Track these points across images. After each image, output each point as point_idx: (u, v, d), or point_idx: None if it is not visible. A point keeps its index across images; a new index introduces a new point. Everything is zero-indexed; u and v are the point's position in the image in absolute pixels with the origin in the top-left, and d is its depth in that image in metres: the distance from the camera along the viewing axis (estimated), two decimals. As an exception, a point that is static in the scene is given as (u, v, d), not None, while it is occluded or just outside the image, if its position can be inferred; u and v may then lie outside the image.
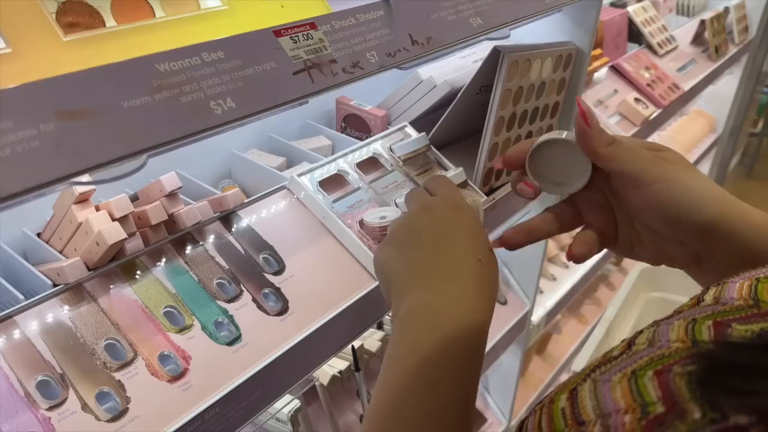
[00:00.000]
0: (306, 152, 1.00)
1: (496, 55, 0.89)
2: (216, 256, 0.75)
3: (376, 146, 0.95)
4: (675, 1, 2.35)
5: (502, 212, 1.04)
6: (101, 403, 0.60)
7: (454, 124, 1.02)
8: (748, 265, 0.45)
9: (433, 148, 0.98)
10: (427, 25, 0.74)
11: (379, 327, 1.26)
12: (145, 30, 0.55)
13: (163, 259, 0.72)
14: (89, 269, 0.68)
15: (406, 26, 0.71)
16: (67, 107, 0.45)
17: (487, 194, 0.98)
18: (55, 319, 0.63)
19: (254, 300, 0.73)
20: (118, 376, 0.62)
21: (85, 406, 0.59)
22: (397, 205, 0.87)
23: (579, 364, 1.71)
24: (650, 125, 1.70)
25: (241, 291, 0.73)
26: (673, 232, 0.58)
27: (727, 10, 2.32)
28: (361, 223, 0.83)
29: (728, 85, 2.70)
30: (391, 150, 0.95)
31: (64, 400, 0.59)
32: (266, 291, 0.74)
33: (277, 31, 0.60)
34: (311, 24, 0.63)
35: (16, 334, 0.61)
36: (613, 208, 0.62)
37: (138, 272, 0.70)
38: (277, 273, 0.76)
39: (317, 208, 0.84)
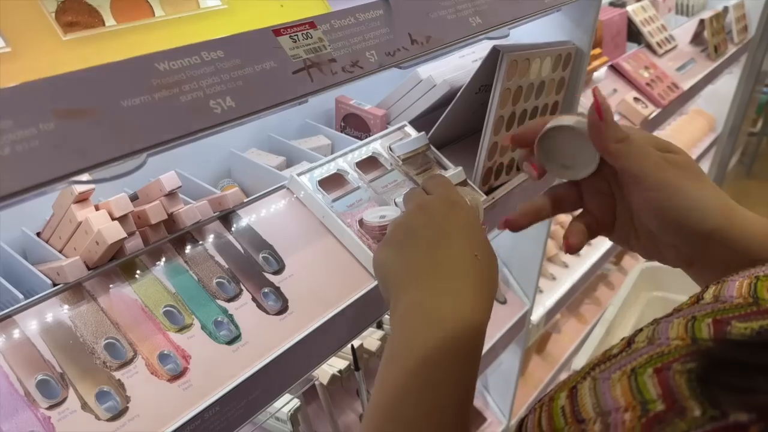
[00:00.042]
0: (305, 152, 1.00)
1: (495, 54, 0.89)
2: (216, 255, 0.75)
3: (376, 145, 0.95)
4: (674, 0, 2.35)
5: (502, 212, 1.04)
6: (101, 402, 0.60)
7: (454, 124, 1.02)
8: (742, 269, 0.46)
9: (433, 148, 0.98)
10: (427, 24, 0.74)
11: (379, 326, 1.26)
12: (144, 29, 0.55)
13: (163, 259, 0.72)
14: (89, 268, 0.68)
15: (405, 25, 0.71)
16: (66, 106, 0.45)
17: (487, 193, 0.98)
18: (54, 319, 0.63)
19: (254, 299, 0.73)
20: (117, 375, 0.62)
21: (84, 405, 0.59)
22: (396, 205, 0.87)
23: (579, 363, 1.71)
24: (649, 125, 1.70)
25: (241, 290, 0.73)
26: (670, 237, 0.58)
27: (726, 9, 2.32)
28: (361, 222, 0.83)
29: (727, 84, 2.70)
30: (390, 149, 0.95)
31: (64, 399, 0.59)
32: (266, 290, 0.74)
33: (277, 31, 0.60)
34: (311, 23, 0.63)
35: (16, 333, 0.61)
36: (615, 198, 0.62)
37: (138, 271, 0.70)
38: (277, 272, 0.76)
39: (317, 208, 0.84)
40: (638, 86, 1.74)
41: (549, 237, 1.44)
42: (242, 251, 0.77)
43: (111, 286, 0.68)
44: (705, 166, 2.94)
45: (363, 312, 0.80)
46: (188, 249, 0.74)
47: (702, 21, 2.15)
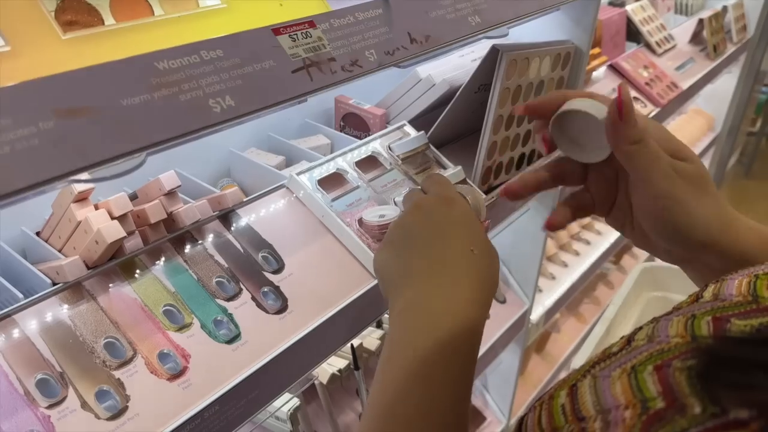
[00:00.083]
0: (305, 151, 1.00)
1: (494, 53, 0.89)
2: (215, 254, 0.75)
3: (375, 145, 0.95)
4: (673, 0, 2.35)
5: (501, 211, 1.04)
6: (101, 401, 0.60)
7: (453, 123, 1.02)
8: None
9: (432, 147, 0.98)
10: (426, 23, 0.74)
11: (378, 325, 1.26)
12: (144, 28, 0.55)
13: (163, 258, 0.72)
14: (88, 268, 0.68)
15: (404, 25, 0.71)
16: (66, 105, 0.45)
17: (486, 193, 0.98)
18: (54, 318, 0.63)
19: (253, 298, 0.73)
20: (117, 374, 0.62)
21: (84, 405, 0.59)
22: (396, 204, 0.87)
23: (578, 362, 1.71)
24: (649, 124, 1.69)
25: (241, 289, 0.73)
26: (663, 241, 0.58)
27: (725, 9, 2.32)
28: (360, 221, 0.83)
29: (726, 83, 2.70)
30: (390, 149, 0.95)
31: (64, 399, 0.59)
32: (265, 289, 0.74)
33: (276, 30, 0.60)
34: (310, 22, 0.63)
35: (16, 332, 0.61)
36: (618, 186, 0.62)
37: (137, 271, 0.70)
38: (276, 271, 0.76)
39: (316, 207, 0.84)
40: (637, 85, 1.74)
41: (548, 236, 1.44)
42: (242, 250, 0.77)
43: (110, 285, 0.68)
44: (704, 165, 2.94)
45: (362, 311, 0.80)
46: (188, 248, 0.74)
47: (701, 20, 2.15)
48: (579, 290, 1.91)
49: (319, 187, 0.85)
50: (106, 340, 0.63)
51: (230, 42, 0.56)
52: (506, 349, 1.53)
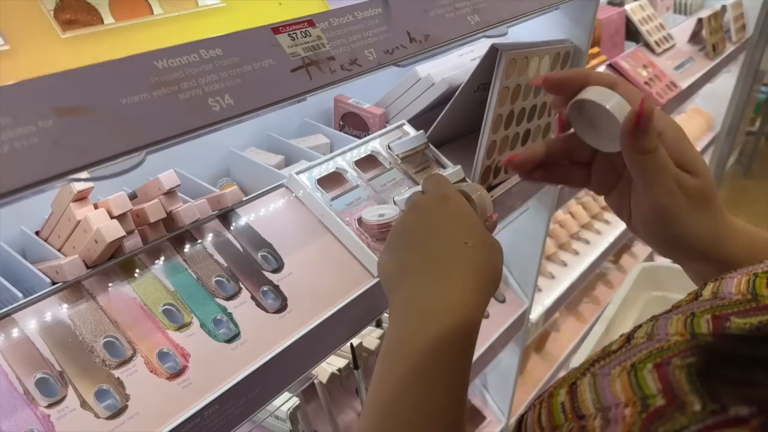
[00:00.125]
0: (304, 150, 1.00)
1: (493, 52, 0.89)
2: (215, 253, 0.75)
3: (375, 144, 0.95)
4: (672, -1, 2.35)
5: (500, 210, 1.04)
6: (100, 400, 0.60)
7: (452, 122, 1.02)
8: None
9: (432, 146, 0.98)
10: (425, 22, 0.74)
11: (378, 324, 1.26)
12: (143, 27, 0.55)
13: (162, 257, 0.72)
14: (88, 267, 0.68)
15: (403, 24, 0.71)
16: (65, 104, 0.45)
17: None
18: (53, 317, 0.63)
19: (253, 297, 0.73)
20: (117, 373, 0.62)
21: (84, 404, 0.59)
22: (395, 203, 0.87)
23: (577, 362, 1.70)
24: (648, 123, 1.69)
25: (240, 289, 0.73)
26: (655, 245, 0.58)
27: (724, 8, 2.32)
28: (360, 220, 0.83)
29: (725, 83, 2.70)
30: (389, 148, 0.95)
31: (63, 398, 0.59)
32: (265, 288, 0.74)
33: (275, 29, 0.60)
34: (309, 21, 0.63)
35: (15, 332, 0.61)
36: (622, 178, 0.61)
37: (137, 270, 0.70)
38: (276, 271, 0.76)
39: (316, 206, 0.84)
40: (636, 85, 1.74)
41: (548, 236, 1.44)
42: (241, 250, 0.77)
43: (110, 284, 0.68)
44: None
45: (362, 310, 0.80)
46: (187, 247, 0.74)
47: (700, 20, 2.15)
48: (578, 289, 1.91)
49: (318, 186, 0.85)
50: (105, 340, 0.63)
51: (229, 41, 0.56)
52: (506, 349, 1.53)
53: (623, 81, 0.55)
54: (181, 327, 0.67)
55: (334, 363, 1.12)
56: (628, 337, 0.40)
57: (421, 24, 0.73)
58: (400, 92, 1.09)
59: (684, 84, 1.89)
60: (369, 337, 1.19)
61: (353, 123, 1.11)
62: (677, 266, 0.62)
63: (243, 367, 0.67)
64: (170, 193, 0.76)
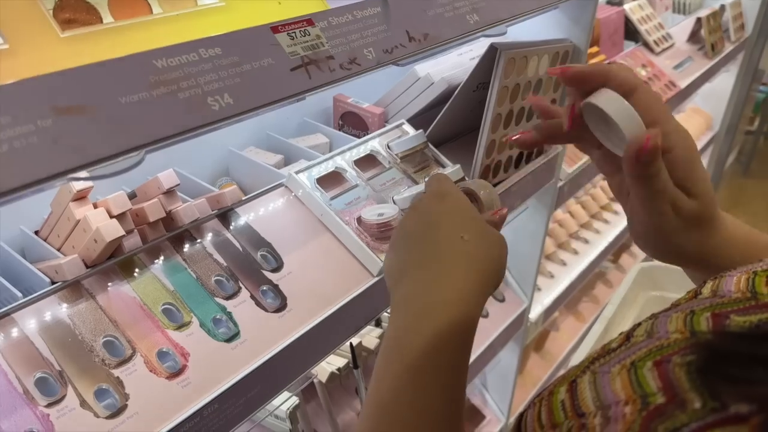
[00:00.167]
0: (303, 150, 1.00)
1: (493, 52, 0.89)
2: (214, 253, 0.75)
3: (374, 143, 0.95)
4: (671, -1, 2.35)
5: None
6: (100, 399, 0.60)
7: (452, 122, 1.02)
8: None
9: (431, 146, 0.98)
10: (424, 21, 0.74)
11: (377, 324, 1.26)
12: (142, 26, 0.55)
13: (161, 257, 0.72)
14: (87, 267, 0.68)
15: (403, 23, 0.71)
16: (64, 103, 0.45)
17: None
18: (53, 317, 0.63)
19: (252, 297, 0.73)
20: (116, 372, 0.62)
21: (83, 403, 0.59)
22: (395, 202, 0.87)
23: (577, 361, 1.70)
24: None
25: (240, 288, 0.73)
26: (646, 248, 0.58)
27: (723, 7, 2.32)
28: (359, 220, 0.83)
29: (724, 82, 2.70)
30: (388, 147, 0.95)
31: (63, 397, 0.59)
32: (264, 288, 0.74)
33: (275, 28, 0.60)
34: (308, 20, 0.63)
35: (15, 331, 0.61)
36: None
37: (136, 269, 0.70)
38: (275, 270, 0.76)
39: (315, 206, 0.84)
40: (636, 84, 1.74)
41: (547, 235, 1.44)
42: (241, 249, 0.77)
43: (109, 284, 0.68)
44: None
45: (361, 309, 0.80)
46: (187, 247, 0.74)
47: (699, 19, 2.15)
48: (578, 289, 1.90)
49: (317, 185, 0.85)
50: (105, 339, 0.63)
51: (229, 40, 0.56)
52: (505, 348, 1.53)
53: (643, 86, 0.52)
54: (181, 326, 0.67)
55: (333, 362, 1.12)
56: (628, 335, 0.40)
57: (420, 23, 0.73)
58: (399, 91, 1.09)
59: (683, 83, 1.89)
60: (368, 336, 1.19)
61: (352, 122, 1.11)
62: (676, 266, 0.61)
63: (242, 366, 0.67)
64: (169, 193, 0.76)
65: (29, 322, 0.62)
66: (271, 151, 1.02)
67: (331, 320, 0.75)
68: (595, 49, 1.70)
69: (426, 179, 0.68)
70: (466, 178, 0.94)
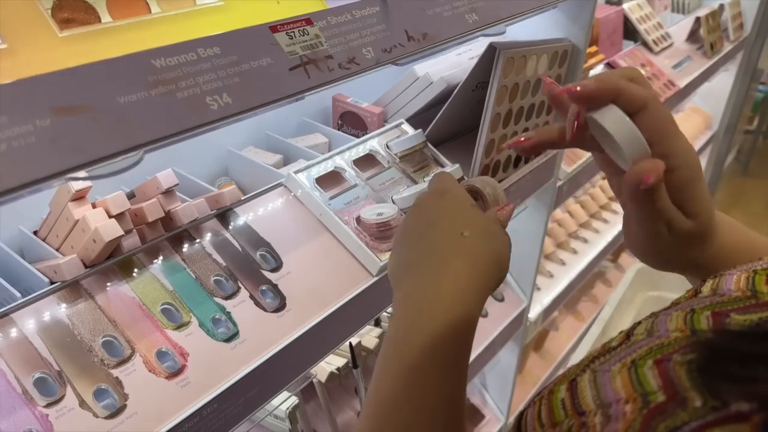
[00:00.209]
0: (302, 149, 1.00)
1: (492, 51, 0.89)
2: (213, 253, 0.75)
3: (373, 143, 0.95)
4: (670, -2, 2.35)
5: (499, 209, 1.04)
6: (99, 400, 0.59)
7: (451, 121, 1.02)
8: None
9: (430, 145, 0.98)
10: (423, 21, 0.74)
11: (377, 324, 1.26)
12: (140, 26, 0.55)
13: (160, 257, 0.72)
14: (86, 267, 0.68)
15: (401, 22, 0.71)
16: (63, 103, 0.45)
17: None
18: (52, 317, 0.63)
19: (252, 297, 0.73)
20: (115, 373, 0.62)
21: (82, 403, 0.59)
22: (394, 202, 0.87)
23: (576, 362, 1.70)
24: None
25: (239, 288, 0.73)
26: (639, 255, 0.57)
27: (722, 7, 2.32)
28: (358, 219, 0.83)
29: (723, 82, 2.70)
30: (387, 147, 0.95)
31: (62, 397, 0.58)
32: (264, 288, 0.74)
33: (273, 27, 0.60)
34: (307, 20, 0.63)
35: (13, 331, 0.61)
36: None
37: (135, 269, 0.70)
38: (275, 270, 0.76)
39: (314, 205, 0.84)
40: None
41: (546, 234, 1.44)
42: (240, 249, 0.77)
43: (108, 284, 0.68)
44: (701, 164, 2.94)
45: (361, 309, 0.80)
46: (185, 247, 0.74)
47: (698, 19, 2.15)
48: (577, 288, 1.91)
49: (316, 185, 0.85)
50: (104, 339, 0.63)
51: (227, 40, 0.56)
52: (504, 348, 1.53)
53: (653, 103, 0.49)
54: (180, 326, 0.67)
55: (332, 362, 1.12)
56: (628, 334, 0.40)
57: (419, 22, 0.73)
58: (398, 91, 1.09)
59: (682, 83, 1.89)
60: (368, 336, 1.19)
61: (351, 122, 1.11)
62: None
63: (242, 366, 0.67)
64: (168, 193, 0.75)
65: (28, 323, 0.62)
66: (270, 150, 1.02)
67: (330, 320, 0.75)
68: (594, 48, 1.70)
69: (427, 179, 0.68)
70: (465, 178, 0.94)
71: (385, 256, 0.81)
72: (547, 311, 1.70)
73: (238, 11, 0.61)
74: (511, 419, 1.67)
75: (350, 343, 1.07)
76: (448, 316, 0.49)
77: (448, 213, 0.57)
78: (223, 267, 0.74)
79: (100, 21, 0.55)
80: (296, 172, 0.85)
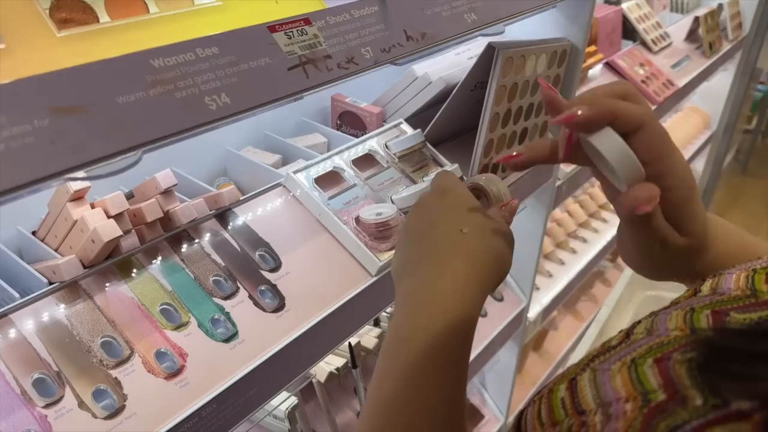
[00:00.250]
0: (301, 149, 1.00)
1: (490, 51, 0.89)
2: (212, 253, 0.75)
3: (372, 143, 0.95)
4: (668, -3, 2.35)
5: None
6: (98, 400, 0.59)
7: (450, 121, 1.02)
8: None
9: (429, 145, 0.98)
10: (422, 20, 0.74)
11: (376, 323, 1.26)
12: (139, 26, 0.55)
13: (159, 257, 0.72)
14: (85, 267, 0.68)
15: (400, 22, 0.71)
16: (61, 103, 0.45)
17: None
18: (50, 317, 0.63)
19: (251, 297, 0.73)
20: (114, 373, 0.62)
21: (81, 404, 0.59)
22: (393, 202, 0.87)
23: (575, 361, 1.70)
24: (645, 121, 1.70)
25: (238, 288, 0.73)
26: (634, 270, 0.57)
27: (720, 6, 2.32)
28: (357, 219, 0.83)
29: (722, 81, 2.70)
30: (386, 147, 0.95)
31: (61, 398, 0.58)
32: (263, 288, 0.74)
33: (272, 27, 0.60)
34: (306, 19, 0.63)
35: (12, 332, 0.61)
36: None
37: (134, 270, 0.70)
38: (274, 270, 0.76)
39: (313, 205, 0.84)
40: (633, 83, 1.74)
41: (545, 234, 1.44)
42: (239, 249, 0.77)
43: (107, 284, 0.68)
44: (700, 163, 2.94)
45: (360, 309, 0.80)
46: (184, 247, 0.74)
47: (697, 18, 2.15)
48: (576, 288, 1.91)
49: (315, 185, 0.85)
50: (102, 340, 0.63)
51: (226, 39, 0.56)
52: (504, 347, 1.53)
53: (649, 123, 0.48)
54: (179, 326, 0.67)
55: (332, 362, 1.12)
56: (628, 333, 0.40)
57: (418, 22, 0.73)
58: (397, 91, 1.09)
59: (681, 82, 1.90)
60: (367, 336, 1.19)
61: (350, 122, 1.11)
62: None
63: (241, 366, 0.67)
64: (167, 193, 0.75)
65: (27, 323, 0.62)
66: (269, 150, 1.02)
67: (329, 320, 0.75)
68: (592, 48, 1.70)
69: (426, 179, 0.68)
70: (464, 178, 0.94)
71: (384, 256, 0.81)
72: (547, 311, 1.70)
73: (236, 11, 0.61)
74: (511, 419, 1.67)
75: (349, 343, 1.07)
76: (447, 317, 0.49)
77: (448, 211, 0.57)
78: (222, 267, 0.74)
79: (98, 21, 0.55)
80: (295, 172, 0.85)
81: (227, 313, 0.70)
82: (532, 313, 1.61)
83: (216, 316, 0.69)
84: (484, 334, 1.39)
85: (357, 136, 1.01)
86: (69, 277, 0.66)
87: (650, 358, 0.34)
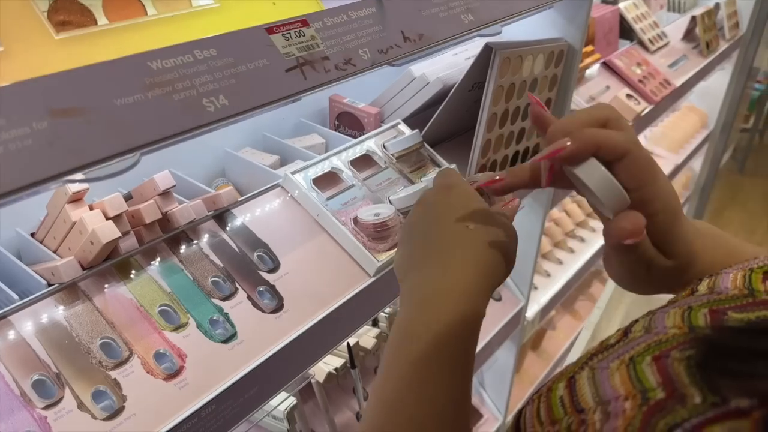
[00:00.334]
0: (299, 150, 1.00)
1: (488, 51, 0.89)
2: (210, 254, 0.75)
3: (370, 144, 0.95)
4: (665, -3, 2.36)
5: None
6: (97, 401, 0.60)
7: (447, 121, 1.02)
8: None
9: (427, 145, 0.98)
10: (419, 21, 0.74)
11: (375, 324, 1.26)
12: (137, 28, 0.55)
13: (158, 258, 0.72)
14: (83, 268, 0.68)
15: (397, 23, 0.71)
16: (59, 105, 0.45)
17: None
18: (50, 319, 0.63)
19: (249, 298, 0.73)
20: (113, 374, 0.62)
21: (81, 405, 0.59)
22: (391, 202, 0.87)
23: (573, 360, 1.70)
24: (642, 121, 1.70)
25: (236, 289, 0.73)
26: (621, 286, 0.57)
27: (717, 6, 2.32)
28: (356, 220, 0.83)
29: (719, 80, 2.70)
30: (384, 147, 0.95)
31: (60, 399, 0.58)
32: (261, 289, 0.74)
33: (269, 29, 0.60)
34: (303, 21, 0.63)
35: (11, 333, 0.61)
36: None
37: (132, 271, 0.70)
38: (272, 271, 0.76)
39: (311, 206, 0.84)
40: (631, 83, 1.75)
41: (543, 234, 1.44)
42: (237, 250, 0.77)
43: (106, 285, 0.68)
44: (698, 162, 2.95)
45: (358, 309, 0.80)
46: (183, 248, 0.74)
47: (694, 18, 2.15)
48: (574, 287, 1.91)
49: (313, 186, 0.85)
50: (102, 341, 0.63)
51: (223, 41, 0.56)
52: (502, 347, 1.53)
53: (633, 151, 0.47)
54: (178, 328, 0.67)
55: (330, 362, 1.12)
56: (626, 331, 0.41)
57: (415, 23, 0.73)
58: (394, 92, 1.09)
59: (678, 82, 1.90)
60: (366, 336, 1.19)
61: (348, 122, 1.11)
62: None
63: (240, 367, 0.67)
64: (165, 194, 0.76)
65: (26, 325, 0.62)
66: (267, 151, 1.02)
67: (328, 321, 0.75)
68: (590, 48, 1.70)
69: (425, 179, 0.68)
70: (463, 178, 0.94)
71: (383, 257, 0.81)
72: (545, 310, 1.70)
73: (233, 13, 0.61)
74: (509, 418, 1.67)
75: (348, 343, 1.07)
76: (455, 312, 0.48)
77: (454, 207, 0.57)
78: (221, 268, 0.74)
79: (96, 23, 0.55)
80: (293, 173, 0.86)
81: (226, 314, 0.70)
82: (530, 312, 1.61)
83: (215, 317, 0.69)
84: (482, 333, 1.37)
85: (355, 137, 1.01)
86: (68, 279, 0.66)
87: (649, 356, 0.34)
